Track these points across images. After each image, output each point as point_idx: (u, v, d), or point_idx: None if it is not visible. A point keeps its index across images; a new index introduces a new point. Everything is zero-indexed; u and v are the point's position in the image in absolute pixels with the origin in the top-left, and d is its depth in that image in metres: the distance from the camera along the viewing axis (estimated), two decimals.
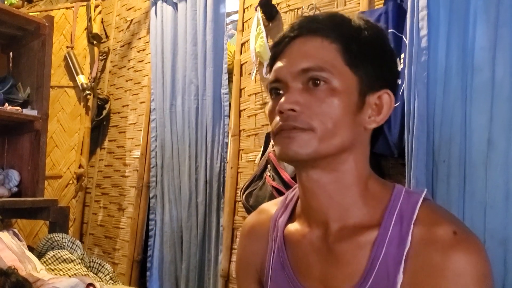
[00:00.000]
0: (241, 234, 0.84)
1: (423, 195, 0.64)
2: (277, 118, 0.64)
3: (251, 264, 0.80)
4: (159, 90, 2.31)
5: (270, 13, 1.81)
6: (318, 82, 0.62)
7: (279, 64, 0.66)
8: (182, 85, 2.19)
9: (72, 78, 2.69)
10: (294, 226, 0.73)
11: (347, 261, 0.64)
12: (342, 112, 0.61)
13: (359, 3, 1.53)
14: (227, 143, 2.01)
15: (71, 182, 2.68)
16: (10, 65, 2.20)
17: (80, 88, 2.63)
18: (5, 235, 1.49)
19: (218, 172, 2.01)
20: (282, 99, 0.63)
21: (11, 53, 2.22)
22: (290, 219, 0.75)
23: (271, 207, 0.80)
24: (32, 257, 1.49)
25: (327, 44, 0.63)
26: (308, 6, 1.68)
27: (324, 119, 0.61)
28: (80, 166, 2.68)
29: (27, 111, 1.95)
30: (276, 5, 1.81)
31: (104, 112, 2.76)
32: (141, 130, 2.52)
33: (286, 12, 1.80)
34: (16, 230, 1.59)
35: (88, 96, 2.65)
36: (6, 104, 1.91)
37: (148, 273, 2.34)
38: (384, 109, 0.65)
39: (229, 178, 1.95)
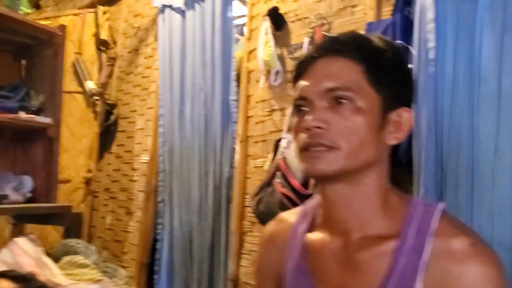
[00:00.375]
0: (260, 242, 0.87)
1: (440, 207, 0.67)
2: (304, 135, 0.67)
3: (269, 272, 0.82)
4: (168, 96, 2.33)
5: (277, 23, 1.83)
6: (342, 100, 0.65)
7: (304, 82, 0.69)
8: (191, 91, 2.21)
9: (81, 83, 2.72)
10: (315, 235, 0.75)
11: (366, 270, 0.67)
12: (367, 130, 0.65)
13: (366, 14, 1.56)
14: (235, 149, 2.04)
15: (80, 186, 2.71)
16: (23, 73, 2.23)
17: (89, 93, 2.66)
18: (22, 241, 1.53)
19: (227, 177, 2.03)
20: (309, 117, 0.66)
21: (23, 61, 2.25)
22: (310, 228, 0.77)
23: (290, 216, 0.83)
24: (49, 263, 1.52)
25: (352, 65, 0.66)
26: (316, 15, 1.71)
27: (350, 137, 0.64)
28: (88, 171, 2.70)
29: (40, 119, 1.97)
30: (283, 15, 1.84)
31: (112, 117, 2.78)
32: (148, 136, 2.54)
33: (293, 21, 1.82)
34: (33, 236, 1.62)
35: (96, 102, 2.68)
36: (20, 112, 1.94)
37: (156, 276, 2.37)
38: (404, 126, 0.68)
39: (237, 184, 1.97)
